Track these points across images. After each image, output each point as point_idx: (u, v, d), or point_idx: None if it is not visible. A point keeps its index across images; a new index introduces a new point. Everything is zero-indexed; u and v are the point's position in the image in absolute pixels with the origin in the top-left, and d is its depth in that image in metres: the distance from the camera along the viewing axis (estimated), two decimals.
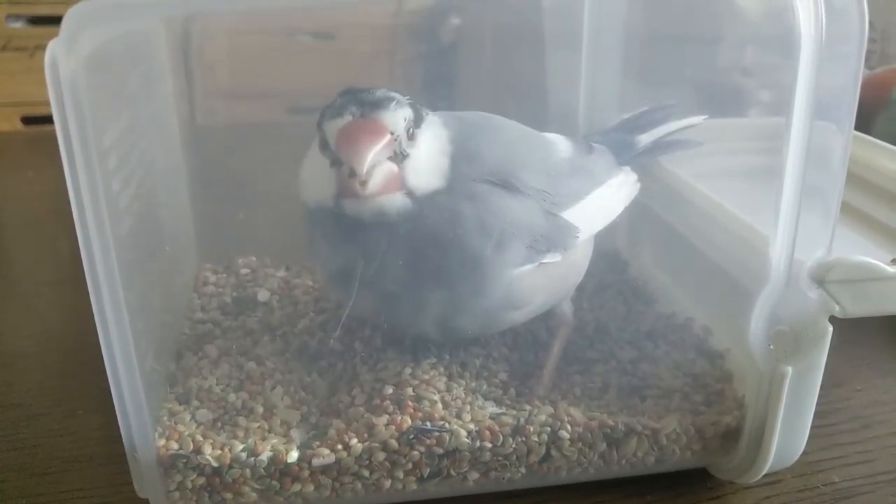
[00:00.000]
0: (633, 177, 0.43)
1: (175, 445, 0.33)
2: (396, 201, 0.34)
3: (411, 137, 0.34)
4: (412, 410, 0.35)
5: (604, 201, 0.40)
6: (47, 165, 0.83)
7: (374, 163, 0.32)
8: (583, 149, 0.41)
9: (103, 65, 0.31)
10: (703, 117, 0.45)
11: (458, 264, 0.35)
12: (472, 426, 0.34)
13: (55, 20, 0.27)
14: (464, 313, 0.36)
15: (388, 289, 0.36)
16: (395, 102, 0.34)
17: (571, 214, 0.37)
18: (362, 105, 0.33)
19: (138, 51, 0.40)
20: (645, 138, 0.45)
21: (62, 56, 0.27)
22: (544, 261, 0.36)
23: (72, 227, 0.29)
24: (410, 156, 0.34)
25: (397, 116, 0.33)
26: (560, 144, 0.40)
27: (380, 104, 0.34)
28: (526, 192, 0.36)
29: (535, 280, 0.37)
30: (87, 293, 0.30)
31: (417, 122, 0.35)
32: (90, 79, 0.28)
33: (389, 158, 0.33)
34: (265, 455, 0.33)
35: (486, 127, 0.39)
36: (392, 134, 0.33)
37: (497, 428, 0.34)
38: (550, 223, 0.37)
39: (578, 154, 0.40)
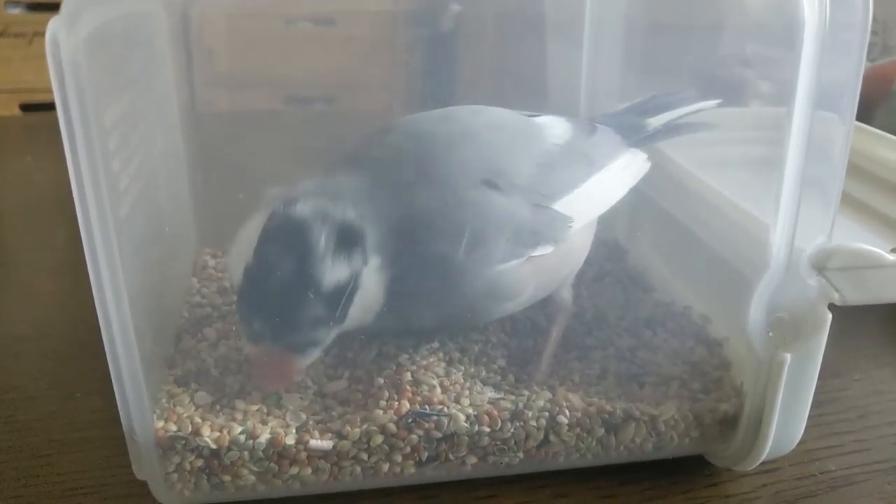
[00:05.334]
0: (641, 156, 0.43)
1: (173, 427, 0.33)
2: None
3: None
4: (410, 395, 0.35)
5: (604, 186, 0.40)
6: (46, 151, 0.83)
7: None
8: (584, 131, 0.41)
9: (104, 45, 0.31)
10: (716, 101, 0.44)
11: (435, 271, 0.35)
12: (470, 411, 0.34)
13: (54, 7, 0.27)
14: (451, 312, 0.37)
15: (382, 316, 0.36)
16: (311, 348, 0.34)
17: (565, 203, 0.37)
18: (279, 345, 0.33)
19: (139, 32, 0.40)
20: (654, 121, 0.44)
21: (63, 35, 0.27)
22: (534, 254, 0.36)
23: (71, 211, 0.28)
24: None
25: (313, 358, 0.35)
26: (555, 129, 0.40)
27: (300, 350, 0.34)
28: (508, 189, 0.36)
29: (525, 273, 0.36)
30: (86, 277, 0.29)
31: (344, 317, 0.34)
32: (91, 58, 0.27)
33: None
34: (263, 438, 0.33)
35: (457, 135, 0.38)
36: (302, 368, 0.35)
37: (496, 412, 0.34)
38: (538, 217, 0.36)
39: (577, 137, 0.40)
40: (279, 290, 0.33)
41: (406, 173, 0.36)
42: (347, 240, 0.33)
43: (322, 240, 0.32)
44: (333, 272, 0.32)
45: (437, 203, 0.35)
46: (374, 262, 0.34)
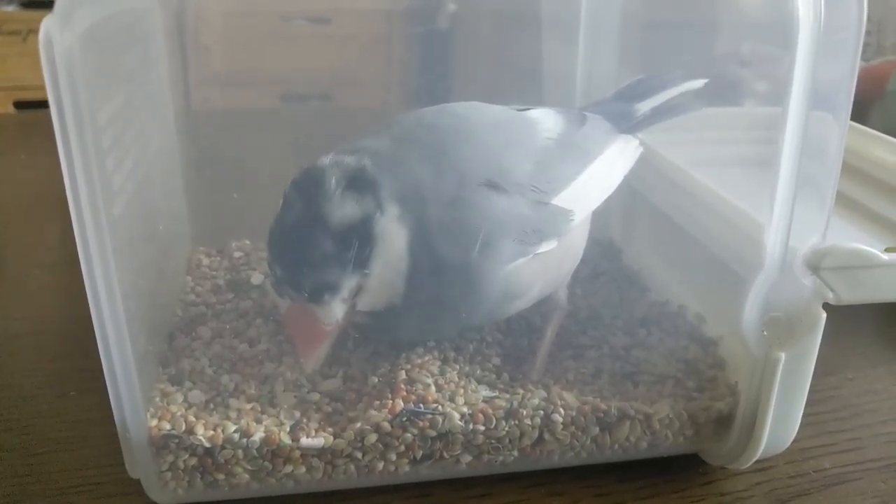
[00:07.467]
0: (633, 142, 0.42)
1: (167, 426, 0.33)
2: (359, 316, 0.36)
3: (356, 293, 0.35)
4: (405, 393, 0.35)
5: (600, 176, 0.39)
6: (40, 149, 0.82)
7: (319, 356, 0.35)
8: (574, 121, 0.40)
9: (98, 42, 0.31)
10: (703, 81, 0.44)
11: (451, 278, 0.35)
12: (465, 409, 0.34)
13: (48, 4, 0.27)
14: (466, 315, 0.37)
15: (397, 321, 0.37)
16: (327, 294, 0.34)
17: (564, 197, 0.37)
18: (298, 292, 0.34)
19: (134, 29, 0.40)
20: (643, 106, 0.44)
21: (56, 32, 0.27)
22: (539, 251, 0.36)
23: (64, 209, 0.28)
24: (358, 296, 0.35)
25: (333, 308, 0.34)
26: (547, 122, 0.39)
27: (315, 296, 0.34)
28: (509, 189, 0.35)
29: (532, 269, 0.37)
30: (80, 275, 0.29)
31: (364, 265, 0.34)
32: (85, 56, 0.27)
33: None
34: (257, 436, 0.33)
35: (460, 130, 0.38)
36: (331, 324, 0.35)
37: (490, 411, 0.34)
38: (540, 213, 0.36)
39: (568, 129, 0.40)
40: (296, 235, 0.34)
41: (416, 156, 0.36)
42: (358, 183, 0.34)
43: (332, 182, 0.33)
44: (342, 209, 0.33)
45: (441, 206, 0.35)
46: (393, 210, 0.34)
